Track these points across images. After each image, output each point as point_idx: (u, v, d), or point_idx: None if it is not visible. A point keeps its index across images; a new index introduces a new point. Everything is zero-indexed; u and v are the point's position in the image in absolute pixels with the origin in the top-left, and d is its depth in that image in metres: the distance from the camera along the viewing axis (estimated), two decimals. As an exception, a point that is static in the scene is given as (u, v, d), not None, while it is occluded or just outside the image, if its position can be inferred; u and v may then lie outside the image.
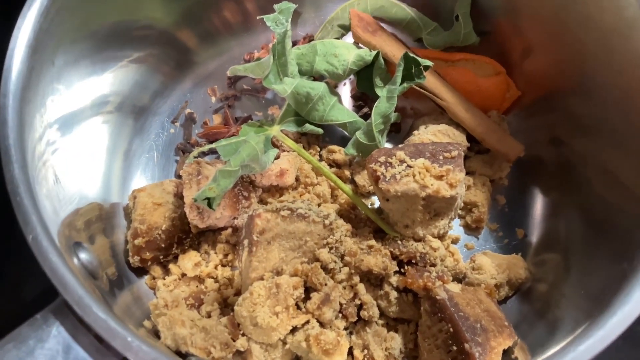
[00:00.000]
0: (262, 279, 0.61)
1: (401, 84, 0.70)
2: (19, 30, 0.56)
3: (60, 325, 0.47)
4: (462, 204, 0.74)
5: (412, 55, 0.69)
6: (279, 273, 0.61)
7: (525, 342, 0.61)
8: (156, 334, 0.60)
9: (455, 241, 0.74)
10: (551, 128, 0.75)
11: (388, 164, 0.63)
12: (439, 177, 0.62)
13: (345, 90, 0.85)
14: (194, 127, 0.83)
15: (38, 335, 0.47)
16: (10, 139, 0.52)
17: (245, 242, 0.62)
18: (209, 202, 0.61)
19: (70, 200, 0.61)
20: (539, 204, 0.76)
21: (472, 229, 0.76)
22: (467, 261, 0.71)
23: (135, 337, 0.46)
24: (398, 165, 0.63)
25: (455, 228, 0.76)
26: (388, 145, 0.80)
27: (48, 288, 0.49)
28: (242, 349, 0.59)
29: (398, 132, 0.82)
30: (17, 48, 0.55)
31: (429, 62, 0.69)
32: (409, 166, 0.62)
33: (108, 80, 0.73)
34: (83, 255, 0.56)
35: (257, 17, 0.69)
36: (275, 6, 0.69)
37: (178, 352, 0.58)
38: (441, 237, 0.68)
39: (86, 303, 0.46)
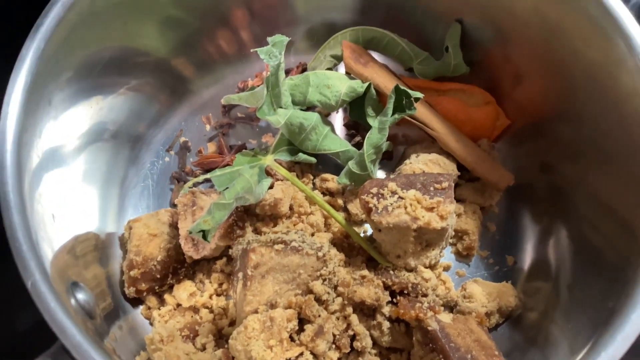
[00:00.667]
0: (256, 312, 0.61)
1: (392, 115, 0.71)
2: (17, 74, 0.56)
3: (59, 372, 0.47)
4: (453, 233, 0.75)
5: (402, 87, 0.70)
6: (273, 306, 0.62)
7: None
8: (152, 367, 0.61)
9: (446, 268, 0.75)
10: (541, 154, 0.76)
11: (380, 196, 0.64)
12: (430, 209, 0.62)
13: (338, 118, 0.86)
14: (189, 155, 0.83)
15: (36, 383, 0.47)
16: (9, 185, 0.52)
17: (240, 274, 0.63)
18: (204, 234, 0.62)
19: (67, 236, 0.61)
20: (529, 231, 0.77)
21: (463, 256, 0.77)
22: (458, 289, 0.72)
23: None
24: (390, 196, 0.63)
25: (447, 255, 0.77)
26: (380, 174, 0.81)
27: (43, 319, 0.49)
28: (237, 383, 0.59)
29: (390, 159, 0.83)
30: (14, 93, 0.56)
31: (419, 94, 0.70)
32: (401, 197, 0.63)
33: (104, 111, 0.74)
34: (80, 296, 0.56)
35: (251, 50, 0.69)
36: (269, 39, 0.69)
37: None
38: (432, 266, 0.69)
39: (85, 349, 0.47)
